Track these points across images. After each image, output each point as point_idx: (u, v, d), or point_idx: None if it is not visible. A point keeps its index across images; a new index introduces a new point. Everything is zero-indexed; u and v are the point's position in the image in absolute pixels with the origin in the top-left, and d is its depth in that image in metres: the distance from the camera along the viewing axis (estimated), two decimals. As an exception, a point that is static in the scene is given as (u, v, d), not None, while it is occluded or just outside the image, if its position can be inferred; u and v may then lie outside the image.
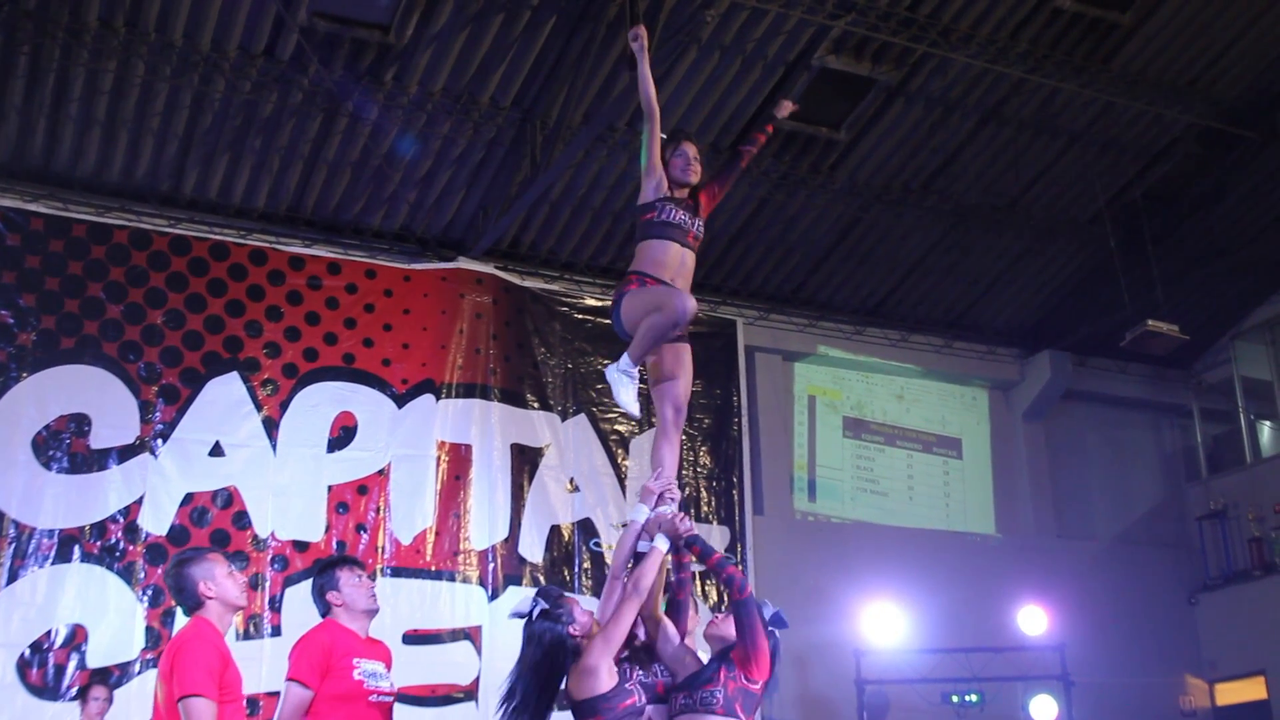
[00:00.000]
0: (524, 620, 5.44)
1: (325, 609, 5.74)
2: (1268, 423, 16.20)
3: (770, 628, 5.58)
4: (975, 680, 13.05)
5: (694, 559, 5.71)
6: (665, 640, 5.60)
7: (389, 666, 5.72)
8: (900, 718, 13.32)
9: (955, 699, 13.24)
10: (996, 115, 12.87)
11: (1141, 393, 16.50)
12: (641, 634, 5.62)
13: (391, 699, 5.67)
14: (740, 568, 5.77)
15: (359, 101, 11.24)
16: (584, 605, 5.57)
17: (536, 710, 5.28)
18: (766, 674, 5.38)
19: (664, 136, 6.39)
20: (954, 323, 15.40)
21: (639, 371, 6.22)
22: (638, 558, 5.73)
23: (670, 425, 6.21)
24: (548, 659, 5.30)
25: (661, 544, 5.62)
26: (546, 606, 5.40)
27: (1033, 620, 13.37)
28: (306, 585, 7.11)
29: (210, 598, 5.20)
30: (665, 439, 6.21)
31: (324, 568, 5.89)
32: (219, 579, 5.24)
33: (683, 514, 5.73)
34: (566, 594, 5.65)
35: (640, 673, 5.44)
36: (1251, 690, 15.14)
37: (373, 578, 6.32)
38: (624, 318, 6.18)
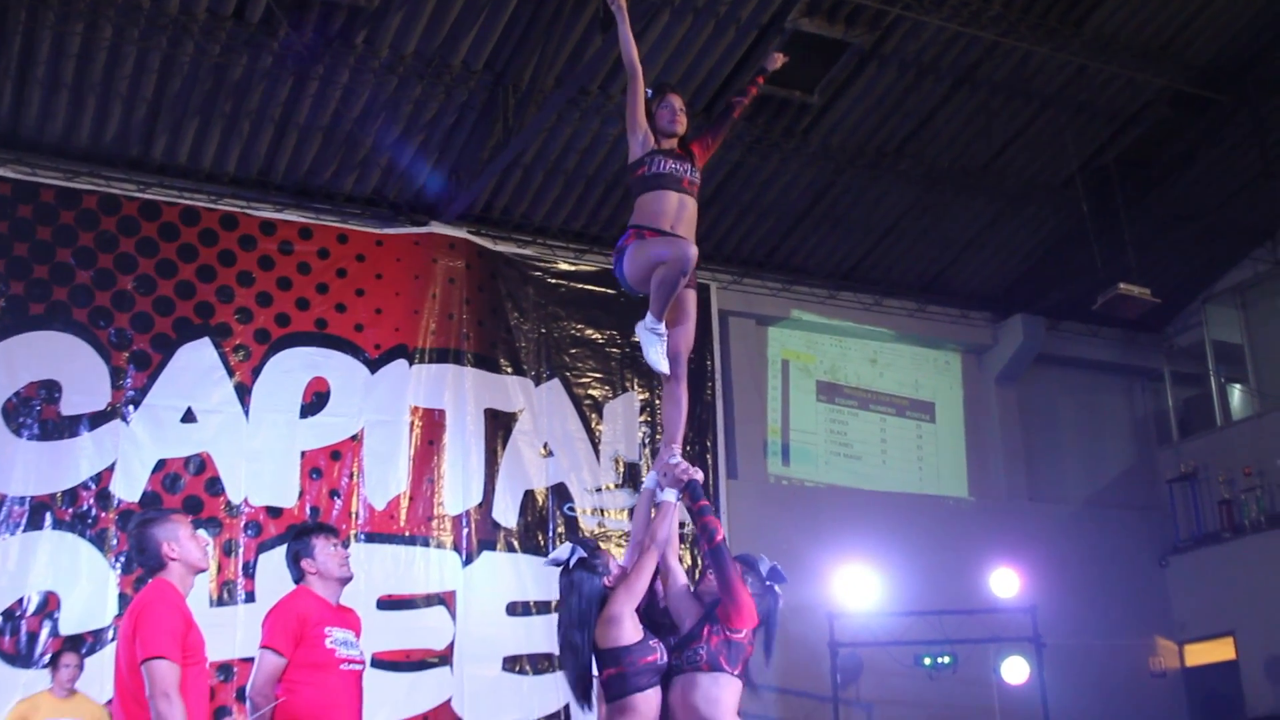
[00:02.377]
0: (560, 568, 5.46)
1: (299, 575, 5.76)
2: (1238, 386, 16.30)
3: (769, 581, 5.65)
4: (947, 642, 13.15)
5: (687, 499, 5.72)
6: (673, 584, 5.62)
7: (359, 635, 5.75)
8: (873, 680, 13.43)
9: (928, 661, 13.36)
10: (970, 79, 12.85)
11: (1113, 356, 16.59)
12: (660, 597, 5.64)
13: (362, 667, 5.69)
14: (719, 520, 5.74)
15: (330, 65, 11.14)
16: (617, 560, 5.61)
17: (588, 663, 5.30)
18: (751, 621, 5.41)
19: (649, 91, 6.43)
20: (927, 287, 15.43)
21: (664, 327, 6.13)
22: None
23: (669, 376, 6.20)
24: (590, 609, 5.32)
25: (669, 496, 5.67)
26: (584, 555, 5.43)
27: (1005, 583, 13.45)
28: (280, 551, 7.11)
29: (173, 559, 5.18)
30: (668, 395, 6.22)
31: (299, 534, 5.91)
32: (182, 540, 5.22)
33: (685, 463, 5.71)
34: (601, 546, 5.67)
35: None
36: (1220, 651, 15.31)
37: (346, 544, 6.33)
38: (627, 273, 6.17)
